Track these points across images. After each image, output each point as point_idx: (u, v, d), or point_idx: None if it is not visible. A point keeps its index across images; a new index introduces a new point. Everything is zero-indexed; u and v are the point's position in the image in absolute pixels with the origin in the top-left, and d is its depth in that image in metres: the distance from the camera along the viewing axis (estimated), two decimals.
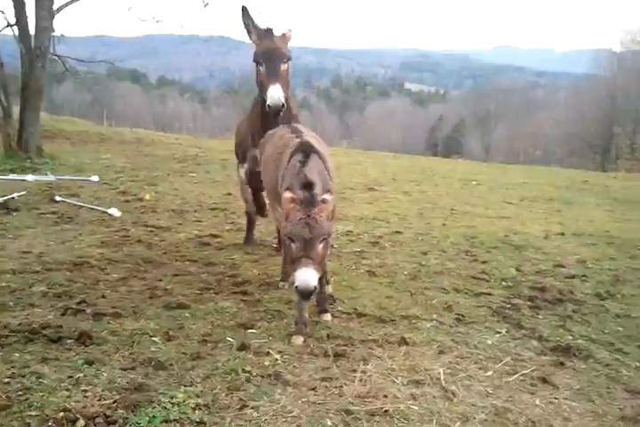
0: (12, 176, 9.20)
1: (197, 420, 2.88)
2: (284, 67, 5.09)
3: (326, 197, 3.68)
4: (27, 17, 11.70)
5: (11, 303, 4.19)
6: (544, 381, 3.61)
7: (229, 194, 9.27)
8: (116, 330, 3.87)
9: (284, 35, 5.26)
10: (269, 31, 5.13)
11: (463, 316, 4.60)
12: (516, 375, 3.65)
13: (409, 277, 5.52)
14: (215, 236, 6.66)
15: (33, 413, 2.81)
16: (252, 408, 3.04)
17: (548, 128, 53.69)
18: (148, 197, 8.47)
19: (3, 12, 11.65)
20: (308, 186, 3.65)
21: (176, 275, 5.15)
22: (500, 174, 15.85)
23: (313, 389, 3.30)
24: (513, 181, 13.93)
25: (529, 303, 5.01)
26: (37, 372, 3.20)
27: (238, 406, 3.05)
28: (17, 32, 11.65)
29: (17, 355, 3.40)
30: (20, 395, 2.96)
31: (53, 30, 11.97)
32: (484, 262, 6.21)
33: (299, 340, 3.93)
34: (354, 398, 3.21)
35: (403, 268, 5.82)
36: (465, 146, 64.11)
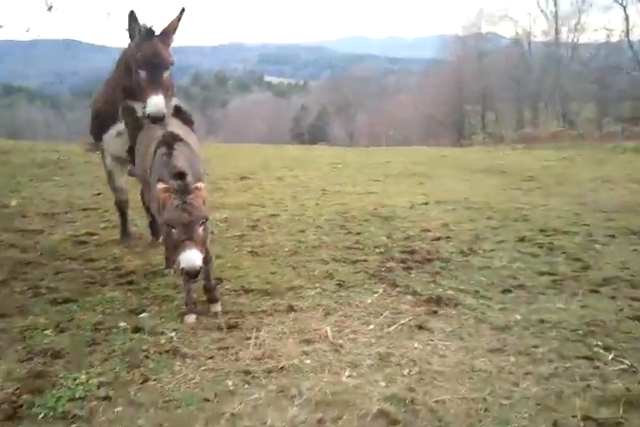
0: None
1: (103, 395, 2.99)
2: (166, 74, 4.79)
3: (199, 184, 3.82)
4: None
5: None
6: (420, 327, 4.00)
7: (99, 194, 9.11)
8: (5, 328, 3.86)
9: (165, 33, 4.88)
10: (150, 32, 4.76)
11: (343, 281, 4.92)
12: (395, 326, 4.01)
13: (289, 254, 5.79)
14: (91, 234, 6.60)
15: None
16: (154, 380, 3.19)
17: (405, 112, 56.08)
18: (13, 202, 8.18)
19: None
20: (180, 175, 3.76)
21: (57, 273, 5.11)
22: (364, 157, 16.53)
23: (211, 357, 3.49)
24: (377, 161, 14.61)
25: (401, 265, 5.42)
26: None
27: (141, 381, 3.19)
28: None
29: None
30: None
31: None
32: (357, 234, 6.60)
33: (191, 318, 4.08)
34: (250, 361, 3.44)
35: (283, 246, 6.07)
36: (330, 133, 65.41)
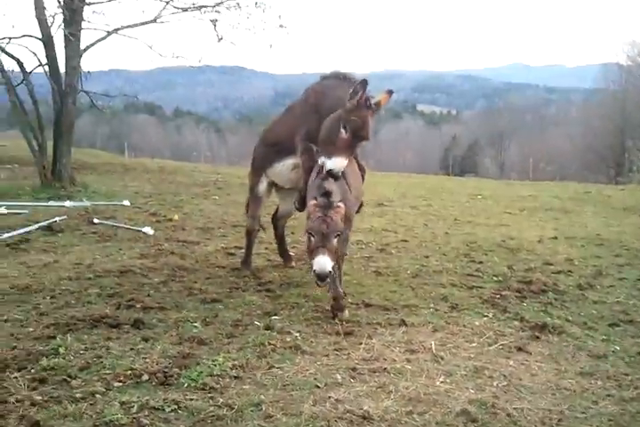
0: (51, 202, 10.11)
1: (235, 375, 3.67)
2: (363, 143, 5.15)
3: (340, 204, 4.60)
4: (56, 57, 12.74)
5: (72, 302, 4.99)
6: (519, 349, 4.36)
7: None
8: (163, 319, 4.68)
9: (377, 106, 5.10)
10: (369, 105, 4.96)
11: (456, 304, 5.34)
12: (496, 345, 4.40)
13: (411, 276, 6.29)
14: (239, 248, 7.43)
15: (107, 371, 3.61)
16: (277, 368, 3.83)
17: (562, 144, 54.45)
18: (176, 217, 9.33)
19: (35, 54, 12.66)
20: (326, 194, 4.59)
21: (208, 278, 5.96)
22: (505, 189, 16.61)
23: (326, 355, 4.07)
24: (517, 195, 14.69)
25: (516, 294, 5.74)
26: (105, 346, 4.02)
27: (267, 367, 3.83)
28: (48, 71, 12.69)
29: (86, 336, 4.20)
30: (95, 360, 3.77)
31: (81, 68, 13.01)
32: (479, 263, 6.97)
33: (346, 314, 4.83)
34: (359, 361, 3.99)
35: (406, 268, 6.59)
36: (480, 165, 64.88)
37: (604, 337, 4.68)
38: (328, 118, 5.12)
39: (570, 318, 5.08)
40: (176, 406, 3.24)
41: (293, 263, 6.69)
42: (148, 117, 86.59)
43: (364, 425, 3.14)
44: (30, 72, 12.61)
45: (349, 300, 5.36)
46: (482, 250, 7.67)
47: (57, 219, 8.51)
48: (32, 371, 3.57)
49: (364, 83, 4.87)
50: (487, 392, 3.59)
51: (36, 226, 7.82)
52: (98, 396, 3.31)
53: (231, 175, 16.97)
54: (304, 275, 6.20)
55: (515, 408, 3.38)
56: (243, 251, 6.99)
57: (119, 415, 3.08)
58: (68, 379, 3.50)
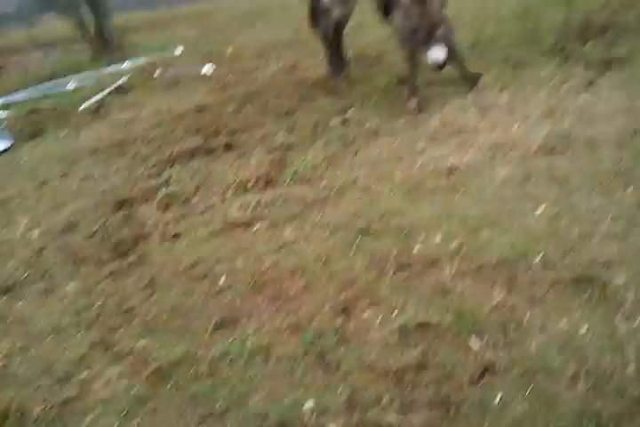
0: (111, 68, 10.34)
1: (327, 165, 4.05)
2: None
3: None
4: None
5: (166, 142, 5.40)
6: (589, 84, 4.45)
7: (298, 29, 9.98)
8: (249, 137, 5.01)
9: None
10: None
11: (520, 61, 5.33)
12: (565, 87, 4.50)
13: (469, 47, 6.24)
14: (297, 63, 7.53)
15: (218, 186, 4.08)
16: (363, 152, 4.16)
17: None
18: (229, 50, 9.39)
19: None
20: None
21: (278, 95, 6.16)
22: None
23: (405, 132, 4.35)
24: None
25: (577, 40, 5.63)
26: (208, 169, 4.47)
27: (353, 154, 4.18)
28: None
29: (189, 165, 4.65)
30: (204, 181, 4.24)
31: None
32: (538, 19, 6.76)
33: (412, 103, 4.83)
34: (437, 128, 4.25)
35: (462, 41, 6.51)
36: None
37: None
38: None
39: (635, 49, 5.00)
40: (285, 198, 3.68)
41: (342, 74, 6.45)
42: None
43: (452, 175, 3.47)
44: None
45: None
46: (536, 10, 7.37)
47: (121, 80, 8.78)
48: (156, 201, 4.09)
49: None
50: (562, 126, 3.79)
51: (107, 91, 8.15)
52: (217, 205, 3.81)
53: (269, 1, 16.41)
54: (367, 70, 6.31)
55: (591, 133, 3.59)
56: (302, 63, 7.14)
57: (240, 214, 3.57)
58: (188, 199, 4.00)
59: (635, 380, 1.90)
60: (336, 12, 6.39)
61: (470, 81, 4.89)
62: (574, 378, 1.93)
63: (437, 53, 4.48)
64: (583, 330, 2.10)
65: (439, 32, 4.54)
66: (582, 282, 2.32)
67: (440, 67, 4.56)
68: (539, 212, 2.86)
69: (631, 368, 1.94)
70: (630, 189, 2.89)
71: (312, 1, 6.25)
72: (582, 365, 1.96)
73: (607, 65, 4.75)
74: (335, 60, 6.69)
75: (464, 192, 3.25)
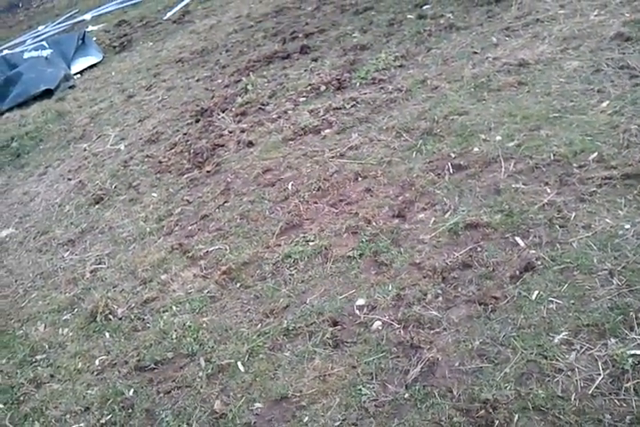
0: None
1: (398, 65, 4.01)
2: None
3: None
4: None
5: (245, 49, 5.46)
6: None
7: None
8: (325, 39, 4.99)
9: None
10: None
11: None
12: None
13: None
14: None
15: (291, 92, 4.17)
16: (436, 48, 4.07)
17: None
18: None
19: None
20: None
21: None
22: None
23: (480, 25, 4.18)
24: None
25: None
26: (283, 74, 4.55)
27: (426, 51, 4.10)
28: None
29: (265, 72, 4.72)
30: (278, 87, 4.33)
31: None
32: None
33: None
34: (512, 20, 4.06)
35: None
36: None
37: None
38: None
39: None
40: (354, 102, 3.73)
41: None
42: None
43: (520, 71, 3.37)
44: None
45: None
46: None
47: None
48: (233, 109, 4.25)
49: None
50: None
51: None
52: (290, 112, 3.92)
53: None
54: None
55: None
56: None
57: (310, 120, 3.66)
58: (263, 107, 4.13)
59: None
60: None
61: None
62: (610, 275, 1.97)
63: None
64: (626, 228, 2.11)
65: None
66: (632, 179, 2.28)
67: None
68: (601, 107, 2.77)
69: None
70: None
71: None
72: (619, 262, 1.99)
73: None
74: None
75: (531, 88, 3.16)
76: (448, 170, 2.78)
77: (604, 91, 2.90)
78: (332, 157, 3.22)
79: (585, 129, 2.67)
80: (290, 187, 3.09)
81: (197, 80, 5.06)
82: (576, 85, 3.03)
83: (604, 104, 2.80)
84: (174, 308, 2.59)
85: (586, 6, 3.87)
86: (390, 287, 2.27)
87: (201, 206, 3.23)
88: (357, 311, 2.22)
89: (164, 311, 2.60)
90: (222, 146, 3.76)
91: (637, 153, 2.40)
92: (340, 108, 3.71)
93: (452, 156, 2.86)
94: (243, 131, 3.86)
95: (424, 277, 2.25)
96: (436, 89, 3.54)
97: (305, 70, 4.47)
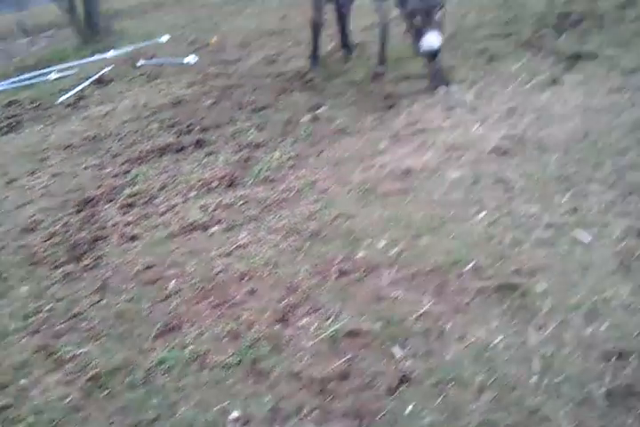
0: (95, 57, 10.33)
1: (291, 165, 4.10)
2: None
3: None
4: None
5: (138, 139, 5.44)
6: (553, 82, 4.46)
7: (285, 17, 9.98)
8: (221, 134, 5.06)
9: None
10: None
11: (494, 55, 5.36)
12: (530, 84, 4.52)
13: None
14: (280, 54, 7.56)
15: (182, 186, 4.14)
16: (327, 151, 4.20)
17: None
18: (214, 40, 9.38)
19: None
20: None
21: (255, 89, 6.20)
22: None
23: (371, 130, 4.38)
24: None
25: (554, 30, 5.66)
26: (176, 167, 4.52)
27: (318, 153, 4.22)
28: None
29: (157, 164, 4.69)
30: (169, 180, 4.29)
31: None
32: (520, 7, 6.74)
33: (443, 89, 4.78)
34: (401, 127, 4.28)
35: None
36: None
37: (638, 52, 4.64)
38: None
39: (605, 42, 5.00)
40: (245, 200, 3.74)
41: (354, 54, 6.54)
42: None
43: (406, 179, 3.52)
44: None
45: (389, 75, 5.52)
46: None
47: (104, 70, 8.80)
48: (119, 200, 4.14)
49: None
50: (518, 128, 3.82)
51: (88, 82, 8.17)
52: (179, 206, 3.86)
53: None
54: (344, 64, 6.36)
55: (543, 135, 3.64)
56: (283, 56, 7.16)
57: (199, 216, 3.63)
58: (152, 199, 4.06)
59: (535, 390, 1.96)
60: None
61: (441, 78, 4.90)
62: (481, 388, 2.00)
63: (432, 40, 4.41)
64: (498, 339, 2.17)
65: (437, 17, 4.47)
66: (505, 290, 2.38)
67: (433, 55, 4.51)
68: (479, 217, 2.92)
69: (534, 379, 2.01)
70: (568, 195, 2.94)
71: None
72: (491, 375, 2.03)
73: (576, 59, 4.75)
74: (343, 40, 6.60)
75: (415, 195, 3.30)
76: (333, 274, 2.79)
77: (482, 202, 3.06)
78: (219, 256, 3.17)
79: (463, 239, 2.78)
80: (172, 285, 3.00)
81: (85, 168, 4.94)
82: (456, 195, 3.19)
83: (482, 215, 2.94)
84: (30, 419, 2.37)
85: (468, 119, 4.15)
86: (267, 399, 2.18)
87: (74, 303, 3.05)
88: (230, 425, 2.11)
89: (18, 422, 2.37)
90: (104, 239, 3.63)
91: (511, 265, 2.51)
92: (231, 206, 3.70)
93: (338, 260, 2.89)
94: (127, 224, 3.75)
95: (302, 388, 2.18)
96: (325, 191, 3.62)
97: (198, 164, 4.47)
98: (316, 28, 6.45)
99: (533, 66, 4.87)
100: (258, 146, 4.60)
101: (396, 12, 5.90)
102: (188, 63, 8.14)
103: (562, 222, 2.74)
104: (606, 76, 4.34)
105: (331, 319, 2.51)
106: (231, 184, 4.02)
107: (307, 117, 4.97)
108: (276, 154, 4.29)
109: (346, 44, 6.61)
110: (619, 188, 2.92)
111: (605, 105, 3.85)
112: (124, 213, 3.92)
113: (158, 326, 2.71)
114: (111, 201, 4.14)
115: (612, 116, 3.69)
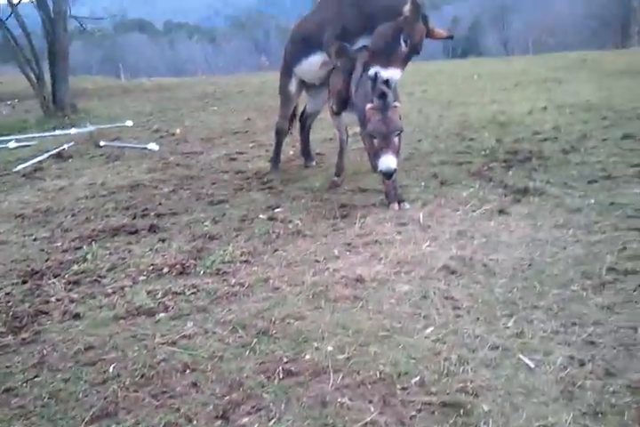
0: (57, 132, 10.43)
1: (244, 260, 4.14)
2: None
3: (396, 104, 4.84)
4: None
5: (92, 217, 5.44)
6: (501, 212, 4.74)
7: (249, 119, 10.38)
8: (176, 222, 5.13)
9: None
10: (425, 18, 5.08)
11: (446, 180, 5.70)
12: (479, 211, 4.79)
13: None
14: (241, 153, 7.82)
15: (132, 269, 4.11)
16: (281, 251, 4.29)
17: (565, 13, 52.55)
18: (178, 131, 9.64)
19: None
20: (382, 96, 4.73)
21: (214, 183, 6.36)
22: (503, 66, 16.50)
23: (325, 236, 4.52)
24: (514, 70, 14.66)
25: (502, 164, 6.09)
26: (127, 249, 4.50)
27: (272, 251, 4.30)
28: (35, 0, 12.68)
29: (109, 244, 4.68)
30: (119, 261, 4.26)
31: None
32: (470, 140, 7.27)
33: (395, 206, 5.01)
34: (354, 237, 4.43)
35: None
36: (482, 45, 63.06)
37: (582, 193, 5.02)
38: (384, 27, 5.04)
39: (551, 181, 5.40)
40: (195, 290, 3.73)
41: (314, 162, 6.88)
42: (140, 35, 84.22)
43: (357, 286, 3.60)
44: (17, 3, 12.62)
45: (345, 187, 5.77)
46: (473, 128, 7.93)
47: (65, 146, 8.87)
48: (66, 276, 4.07)
49: None
50: (467, 250, 4.02)
51: (47, 155, 8.21)
52: (126, 289, 3.81)
53: (229, 85, 17.06)
54: (303, 170, 6.61)
55: (490, 260, 3.83)
56: (244, 156, 7.40)
57: (147, 301, 3.58)
58: (99, 279, 4.00)
59: None
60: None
61: (396, 195, 5.13)
62: None
63: (390, 162, 4.71)
64: None
65: (396, 140, 4.82)
66: (450, 407, 2.42)
67: (389, 175, 4.78)
68: (426, 332, 3.00)
69: None
70: (513, 320, 3.07)
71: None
72: None
73: (523, 193, 5.09)
74: (304, 149, 6.95)
75: (365, 304, 3.37)
76: (279, 374, 2.77)
77: (430, 317, 3.15)
78: (163, 344, 3.11)
79: (410, 352, 2.84)
80: (111, 369, 2.90)
81: (35, 239, 4.87)
82: (405, 308, 3.28)
83: (429, 330, 3.02)
84: None
85: (419, 236, 4.33)
86: None
87: (7, 378, 2.90)
88: None
89: None
90: (46, 313, 3.52)
91: (456, 382, 2.57)
92: (180, 294, 3.68)
93: (285, 360, 2.88)
94: (72, 301, 3.67)
95: None
96: (277, 290, 3.66)
97: (150, 249, 4.47)
98: (281, 134, 6.83)
99: (482, 195, 5.18)
100: (212, 238, 4.66)
101: (356, 128, 6.37)
102: (150, 149, 8.30)
103: (507, 345, 2.83)
104: (551, 212, 4.64)
105: (273, 421, 2.47)
106: (182, 272, 4.02)
107: (263, 216, 5.10)
108: (230, 248, 4.34)
109: (307, 153, 6.93)
110: (562, 318, 3.07)
111: (550, 239, 4.09)
112: (70, 290, 3.84)
113: (94, 410, 2.60)
114: (57, 276, 4.06)
115: (556, 249, 3.92)
